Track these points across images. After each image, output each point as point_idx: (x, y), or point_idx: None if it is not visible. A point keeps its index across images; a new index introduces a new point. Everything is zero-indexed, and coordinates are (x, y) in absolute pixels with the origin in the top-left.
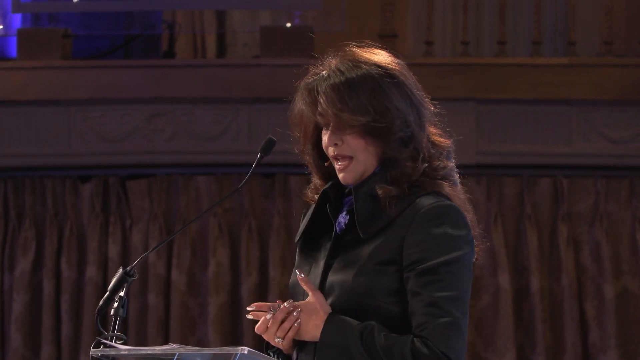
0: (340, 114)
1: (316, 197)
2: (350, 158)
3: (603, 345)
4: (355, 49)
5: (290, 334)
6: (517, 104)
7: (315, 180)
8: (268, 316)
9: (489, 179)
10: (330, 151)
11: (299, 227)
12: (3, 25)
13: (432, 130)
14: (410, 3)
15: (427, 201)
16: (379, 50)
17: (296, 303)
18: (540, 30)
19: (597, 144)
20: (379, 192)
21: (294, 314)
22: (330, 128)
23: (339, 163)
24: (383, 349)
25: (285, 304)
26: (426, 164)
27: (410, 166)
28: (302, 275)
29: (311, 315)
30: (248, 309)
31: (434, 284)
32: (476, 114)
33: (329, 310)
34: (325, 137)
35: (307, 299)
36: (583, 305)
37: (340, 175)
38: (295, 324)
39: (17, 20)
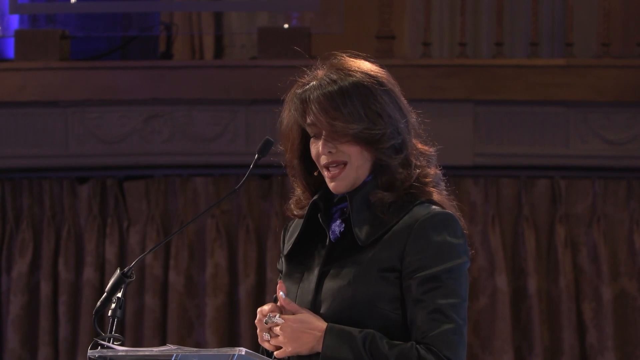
0: (334, 122)
1: (302, 210)
2: (345, 164)
3: (601, 347)
4: (342, 59)
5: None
6: (515, 105)
7: (298, 194)
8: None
9: (486, 180)
10: (323, 160)
11: None
12: (0, 27)
13: (415, 140)
14: (408, 4)
15: (424, 209)
16: (364, 60)
17: (286, 316)
18: (537, 31)
19: (595, 146)
20: (373, 198)
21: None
22: (323, 136)
23: (331, 171)
24: (390, 357)
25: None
26: (418, 170)
27: (402, 172)
28: (283, 296)
29: (307, 326)
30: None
31: (437, 290)
32: (474, 115)
33: (324, 322)
34: (316, 147)
35: (297, 315)
36: (581, 306)
37: (331, 185)
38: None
39: (14, 21)
